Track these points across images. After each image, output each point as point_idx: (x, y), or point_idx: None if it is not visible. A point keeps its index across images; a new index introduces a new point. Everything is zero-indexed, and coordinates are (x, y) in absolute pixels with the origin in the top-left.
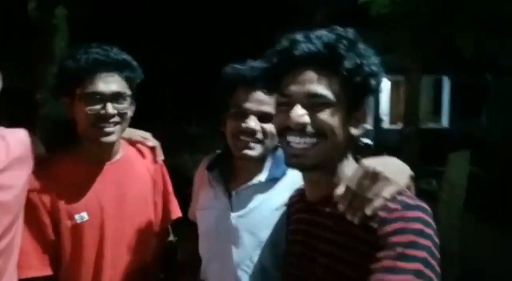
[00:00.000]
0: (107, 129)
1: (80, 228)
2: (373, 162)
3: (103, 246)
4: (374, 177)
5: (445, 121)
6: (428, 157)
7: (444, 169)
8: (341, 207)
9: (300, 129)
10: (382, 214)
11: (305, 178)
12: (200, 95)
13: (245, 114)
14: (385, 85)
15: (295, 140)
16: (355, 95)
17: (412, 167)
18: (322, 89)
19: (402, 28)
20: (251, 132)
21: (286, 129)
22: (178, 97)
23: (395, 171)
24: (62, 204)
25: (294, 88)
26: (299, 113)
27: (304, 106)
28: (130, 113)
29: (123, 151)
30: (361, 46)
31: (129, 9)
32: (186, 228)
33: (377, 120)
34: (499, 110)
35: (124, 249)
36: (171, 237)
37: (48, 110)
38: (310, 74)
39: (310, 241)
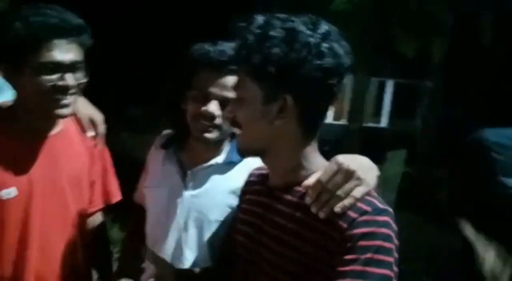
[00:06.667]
0: (65, 101)
1: (5, 205)
2: (347, 159)
3: (29, 226)
4: (347, 175)
5: (384, 122)
6: (368, 154)
7: (381, 166)
8: (308, 199)
9: (229, 123)
10: (351, 214)
11: None
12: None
13: (207, 98)
14: None
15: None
16: (265, 86)
17: None
18: (233, 85)
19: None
20: (211, 117)
21: None
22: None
23: (366, 170)
24: None
25: None
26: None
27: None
28: None
29: (62, 125)
30: (257, 34)
31: None
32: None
33: None
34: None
35: (53, 230)
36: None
37: None
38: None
39: (264, 226)
